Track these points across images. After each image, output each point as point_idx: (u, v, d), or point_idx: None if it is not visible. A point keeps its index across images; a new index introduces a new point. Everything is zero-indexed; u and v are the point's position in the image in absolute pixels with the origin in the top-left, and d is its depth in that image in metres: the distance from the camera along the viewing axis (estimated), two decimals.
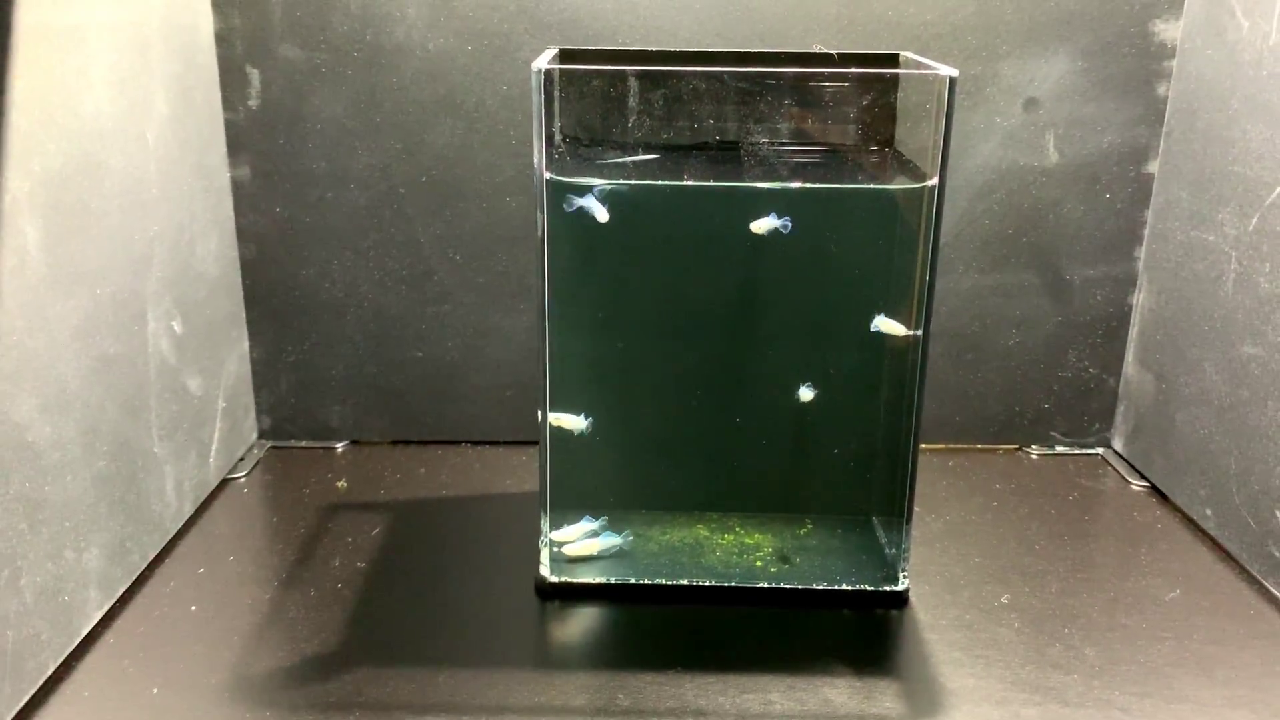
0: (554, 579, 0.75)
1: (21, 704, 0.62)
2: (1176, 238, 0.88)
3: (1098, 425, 0.98)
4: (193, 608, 0.73)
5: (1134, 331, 0.95)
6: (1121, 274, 0.94)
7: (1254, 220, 0.78)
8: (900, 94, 0.73)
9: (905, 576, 0.74)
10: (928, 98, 0.68)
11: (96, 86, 0.70)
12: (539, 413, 0.72)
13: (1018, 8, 0.88)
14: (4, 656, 0.60)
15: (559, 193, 0.68)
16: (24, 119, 0.62)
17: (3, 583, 0.60)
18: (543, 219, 0.68)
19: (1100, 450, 0.98)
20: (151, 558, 0.78)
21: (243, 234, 0.92)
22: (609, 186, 0.68)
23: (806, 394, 0.73)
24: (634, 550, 0.76)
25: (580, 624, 0.72)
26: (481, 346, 0.96)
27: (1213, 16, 0.83)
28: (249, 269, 0.93)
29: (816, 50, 0.87)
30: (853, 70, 0.74)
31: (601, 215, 0.68)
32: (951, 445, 0.98)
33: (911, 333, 0.70)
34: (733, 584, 0.74)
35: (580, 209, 0.68)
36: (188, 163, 0.83)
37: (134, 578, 0.75)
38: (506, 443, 0.98)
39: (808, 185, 0.70)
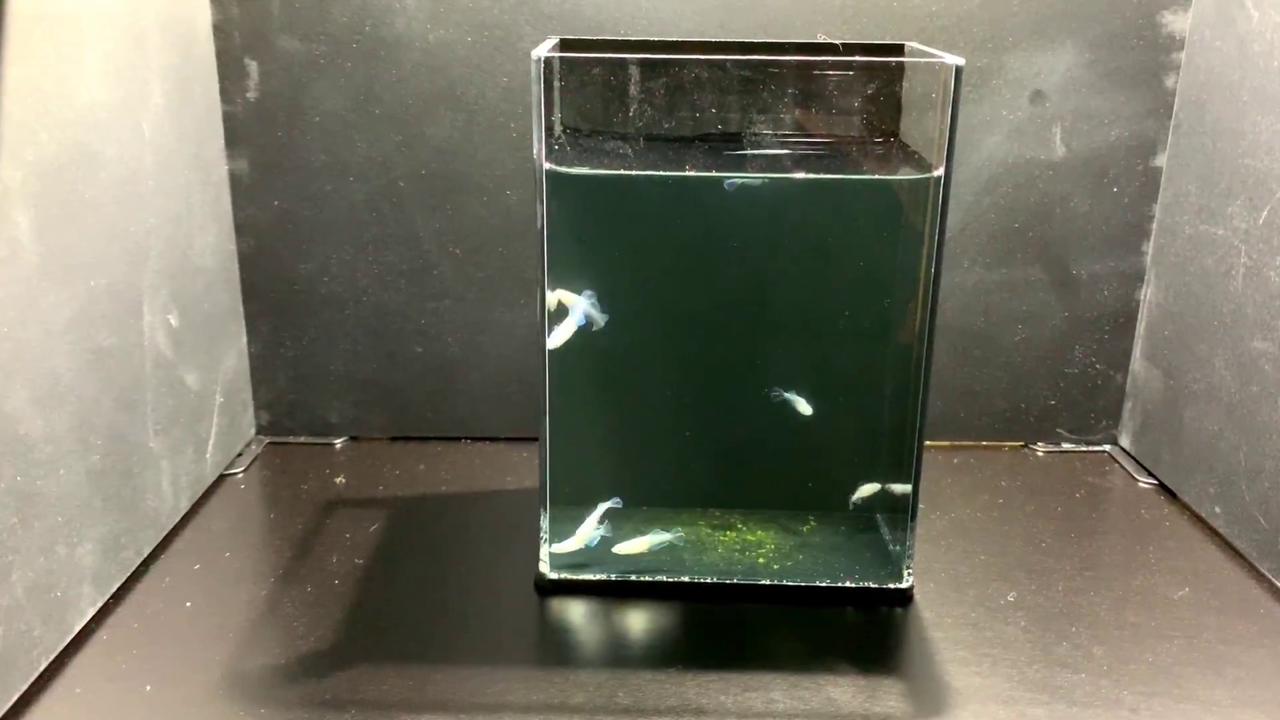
0: (553, 576, 0.74)
1: (13, 701, 0.61)
2: (1185, 232, 0.87)
3: (1105, 422, 0.97)
4: (188, 604, 0.72)
5: (1141, 327, 0.94)
6: (1129, 269, 0.93)
7: (1264, 214, 0.77)
8: (905, 84, 0.72)
9: (910, 574, 0.73)
10: (933, 87, 0.67)
11: (91, 76, 0.69)
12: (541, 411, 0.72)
13: None
14: None
15: (559, 184, 0.67)
16: (17, 107, 0.61)
17: None
18: (542, 211, 0.67)
19: (1107, 447, 0.97)
20: (146, 554, 0.77)
21: (241, 227, 0.91)
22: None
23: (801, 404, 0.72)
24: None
25: (580, 621, 0.71)
26: (481, 342, 0.95)
27: (1222, 7, 0.82)
28: (247, 263, 0.93)
29: (821, 40, 0.86)
30: (857, 59, 0.73)
31: (599, 319, 0.70)
32: (956, 442, 0.97)
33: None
34: (735, 581, 0.73)
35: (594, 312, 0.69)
36: (185, 155, 0.82)
37: (129, 574, 0.74)
38: (506, 439, 0.97)
39: (811, 176, 0.70)
